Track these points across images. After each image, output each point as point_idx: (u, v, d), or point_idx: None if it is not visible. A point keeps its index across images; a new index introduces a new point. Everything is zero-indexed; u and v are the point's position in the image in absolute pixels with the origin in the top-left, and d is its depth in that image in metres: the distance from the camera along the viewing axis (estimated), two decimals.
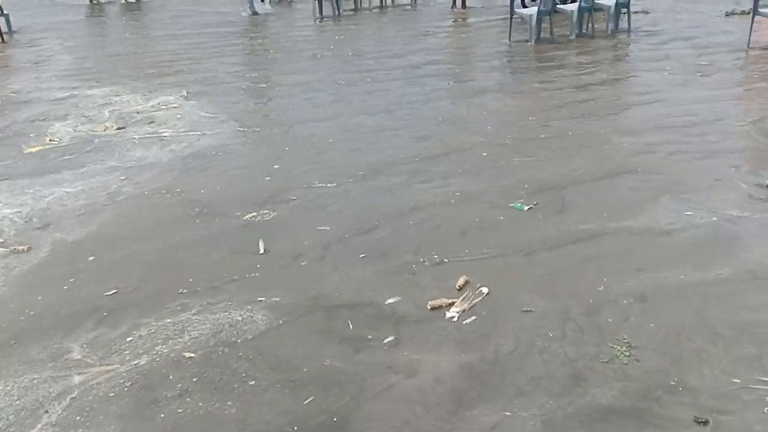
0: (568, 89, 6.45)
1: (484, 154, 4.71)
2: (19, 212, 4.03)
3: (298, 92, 6.84)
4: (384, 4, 13.86)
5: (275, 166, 4.64)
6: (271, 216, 3.82)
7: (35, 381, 2.49)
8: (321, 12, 12.81)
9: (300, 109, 6.18)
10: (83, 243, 3.60)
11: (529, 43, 8.71)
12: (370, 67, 7.97)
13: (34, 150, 5.19)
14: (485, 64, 7.93)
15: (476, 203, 3.89)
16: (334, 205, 3.94)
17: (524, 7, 9.65)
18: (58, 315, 2.92)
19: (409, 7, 13.51)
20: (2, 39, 10.70)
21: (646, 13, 10.84)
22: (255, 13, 13.12)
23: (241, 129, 5.64)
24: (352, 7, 13.57)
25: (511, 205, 3.82)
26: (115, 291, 3.08)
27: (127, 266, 3.31)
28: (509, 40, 8.88)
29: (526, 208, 3.77)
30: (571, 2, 9.57)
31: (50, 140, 5.37)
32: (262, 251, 3.39)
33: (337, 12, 12.79)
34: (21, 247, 3.54)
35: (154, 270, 3.27)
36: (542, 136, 5.06)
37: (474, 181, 4.22)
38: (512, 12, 8.95)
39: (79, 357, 2.61)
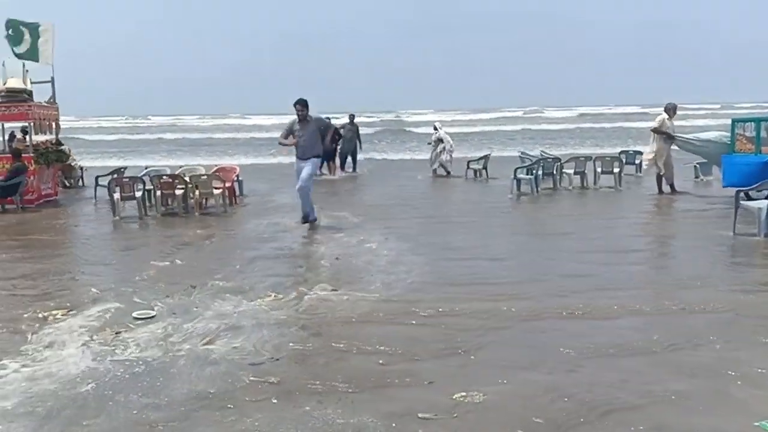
0: None
1: (707, 360, 4.12)
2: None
3: (493, 265, 6.85)
4: (585, 184, 13.65)
5: (478, 344, 4.46)
6: (480, 398, 3.58)
7: None
8: (519, 188, 13.02)
9: (493, 281, 6.13)
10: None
11: (757, 238, 7.91)
12: (567, 246, 7.76)
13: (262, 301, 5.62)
14: (705, 255, 7.27)
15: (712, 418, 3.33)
16: (547, 395, 3.60)
17: (749, 198, 8.94)
18: None
19: (612, 189, 13.21)
20: (235, 201, 12.27)
21: None
22: (307, 221, 9.23)
23: (444, 303, 5.61)
24: (551, 185, 13.57)
25: (756, 423, 3.22)
26: None
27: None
28: (733, 232, 8.16)
29: None
30: None
31: (275, 295, 5.73)
32: None
33: (535, 190, 12.91)
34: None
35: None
36: None
37: (704, 391, 3.67)
38: (737, 204, 8.30)
39: None
